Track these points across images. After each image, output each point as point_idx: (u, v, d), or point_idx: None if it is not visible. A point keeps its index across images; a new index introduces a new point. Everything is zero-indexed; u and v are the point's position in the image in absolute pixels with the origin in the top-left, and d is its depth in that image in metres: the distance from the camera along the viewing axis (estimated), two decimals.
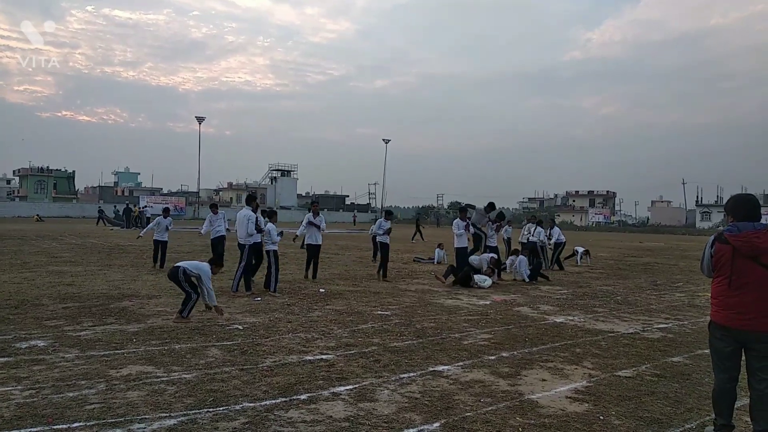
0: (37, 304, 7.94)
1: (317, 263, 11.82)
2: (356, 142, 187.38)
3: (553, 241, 15.99)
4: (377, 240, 13.55)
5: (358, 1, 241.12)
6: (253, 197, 10.19)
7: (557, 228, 16.56)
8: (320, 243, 11.78)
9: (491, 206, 13.09)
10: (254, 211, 9.70)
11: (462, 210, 12.59)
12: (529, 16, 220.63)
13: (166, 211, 13.76)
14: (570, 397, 4.53)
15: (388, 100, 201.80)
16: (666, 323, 8.01)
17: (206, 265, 7.14)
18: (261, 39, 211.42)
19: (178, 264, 7.16)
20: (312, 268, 11.69)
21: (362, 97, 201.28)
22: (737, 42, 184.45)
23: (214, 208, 13.13)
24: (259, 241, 9.79)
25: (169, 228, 13.59)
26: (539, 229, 15.36)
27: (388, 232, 12.45)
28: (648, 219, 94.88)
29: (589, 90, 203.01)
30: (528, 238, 14.99)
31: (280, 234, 10.09)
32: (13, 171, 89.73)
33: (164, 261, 12.95)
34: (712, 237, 3.81)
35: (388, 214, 12.89)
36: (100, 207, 48.22)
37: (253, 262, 9.82)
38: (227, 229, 13.01)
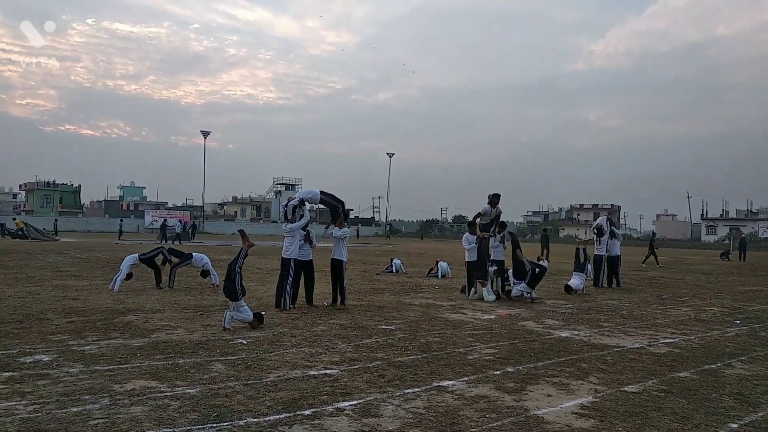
0: (42, 319, 7.95)
1: (342, 284, 10.06)
2: (360, 156, 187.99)
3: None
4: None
5: (358, 12, 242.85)
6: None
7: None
8: (311, 258, 9.95)
9: (496, 197, 12.01)
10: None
11: (471, 224, 12.16)
12: (533, 27, 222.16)
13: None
14: (576, 413, 4.49)
15: (391, 113, 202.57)
16: (672, 338, 7.95)
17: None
18: (262, 52, 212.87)
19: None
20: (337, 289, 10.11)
21: (365, 110, 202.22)
22: (742, 51, 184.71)
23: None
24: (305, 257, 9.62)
25: None
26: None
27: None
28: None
29: (594, 102, 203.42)
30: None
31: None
32: (20, 185, 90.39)
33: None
34: None
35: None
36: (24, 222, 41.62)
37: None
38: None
